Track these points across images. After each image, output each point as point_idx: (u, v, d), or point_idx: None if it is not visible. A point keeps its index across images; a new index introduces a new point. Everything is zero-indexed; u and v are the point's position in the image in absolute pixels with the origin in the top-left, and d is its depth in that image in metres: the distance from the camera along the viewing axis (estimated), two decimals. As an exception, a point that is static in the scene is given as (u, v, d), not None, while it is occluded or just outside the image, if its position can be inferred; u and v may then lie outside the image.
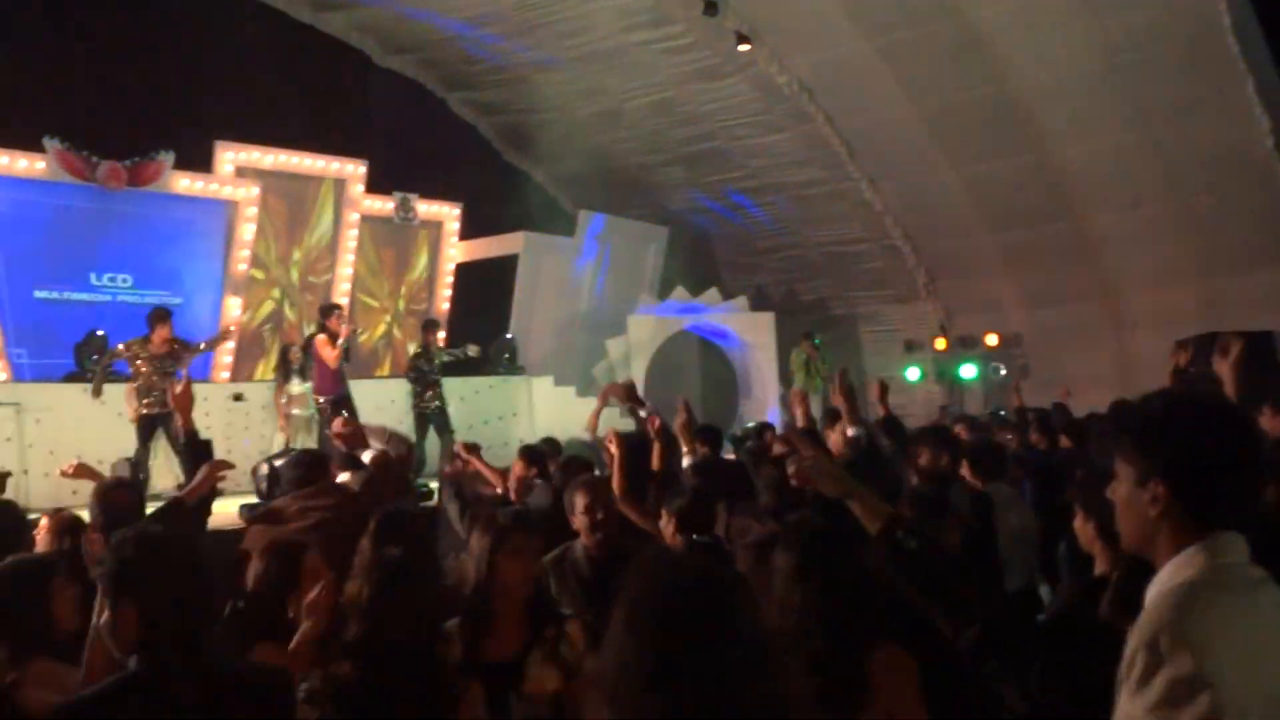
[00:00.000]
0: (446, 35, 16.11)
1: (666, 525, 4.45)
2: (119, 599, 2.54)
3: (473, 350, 12.88)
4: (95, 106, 12.81)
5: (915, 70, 14.27)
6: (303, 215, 14.71)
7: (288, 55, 14.92)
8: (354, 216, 15.00)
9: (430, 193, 15.81)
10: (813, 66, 14.93)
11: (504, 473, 6.67)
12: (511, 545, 3.54)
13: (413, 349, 13.40)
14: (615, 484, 5.09)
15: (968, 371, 17.01)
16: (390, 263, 15.78)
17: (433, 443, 12.18)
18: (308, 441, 11.10)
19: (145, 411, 10.35)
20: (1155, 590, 1.97)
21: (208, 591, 2.64)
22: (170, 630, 2.51)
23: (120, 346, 10.54)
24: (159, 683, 2.48)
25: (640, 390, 15.00)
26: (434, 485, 7.68)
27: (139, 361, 10.32)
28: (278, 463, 10.16)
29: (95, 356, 11.43)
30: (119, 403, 10.95)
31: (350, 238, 14.99)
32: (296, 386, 11.84)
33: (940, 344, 17.22)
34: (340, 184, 14.92)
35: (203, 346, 11.06)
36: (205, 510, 4.78)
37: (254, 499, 9.56)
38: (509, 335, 15.56)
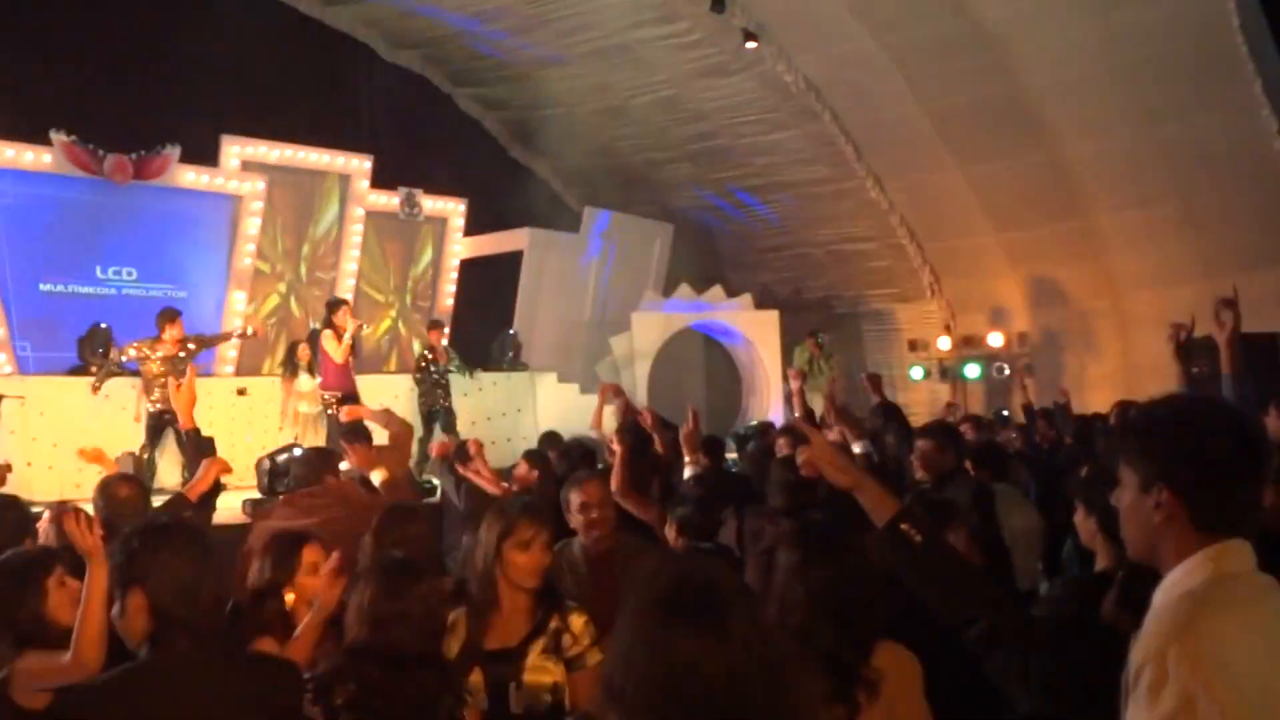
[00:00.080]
0: (453, 31, 16.11)
1: (670, 532, 4.47)
2: (128, 589, 2.54)
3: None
4: (101, 100, 12.81)
5: (922, 68, 14.25)
6: (308, 210, 14.70)
7: (294, 49, 14.93)
8: (359, 212, 14.99)
9: (435, 188, 15.79)
10: (820, 64, 14.91)
11: (502, 473, 6.67)
12: (519, 536, 3.53)
13: (418, 347, 13.39)
14: (615, 481, 5.10)
15: (971, 371, 16.99)
16: (395, 256, 15.77)
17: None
18: (316, 438, 11.12)
19: (153, 409, 10.41)
20: (1161, 598, 1.96)
21: (217, 581, 2.64)
22: (180, 620, 2.51)
23: (130, 349, 10.55)
24: (169, 671, 2.48)
25: (645, 387, 15.11)
26: (437, 481, 7.68)
27: (150, 362, 10.36)
28: (280, 458, 10.25)
29: (100, 351, 11.45)
30: (123, 397, 10.99)
31: (355, 233, 14.97)
32: (305, 383, 11.84)
33: (944, 343, 17.21)
34: (345, 179, 14.91)
35: (228, 336, 11.08)
36: (209, 507, 4.79)
37: (258, 494, 9.61)
38: (512, 331, 15.56)
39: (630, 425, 6.93)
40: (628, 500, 5.08)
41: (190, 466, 5.68)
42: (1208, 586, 1.89)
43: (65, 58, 12.69)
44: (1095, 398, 13.71)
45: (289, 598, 3.75)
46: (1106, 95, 13.63)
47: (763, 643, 1.72)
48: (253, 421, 12.15)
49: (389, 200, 15.36)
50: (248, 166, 13.84)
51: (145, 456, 10.37)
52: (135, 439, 10.65)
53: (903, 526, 2.56)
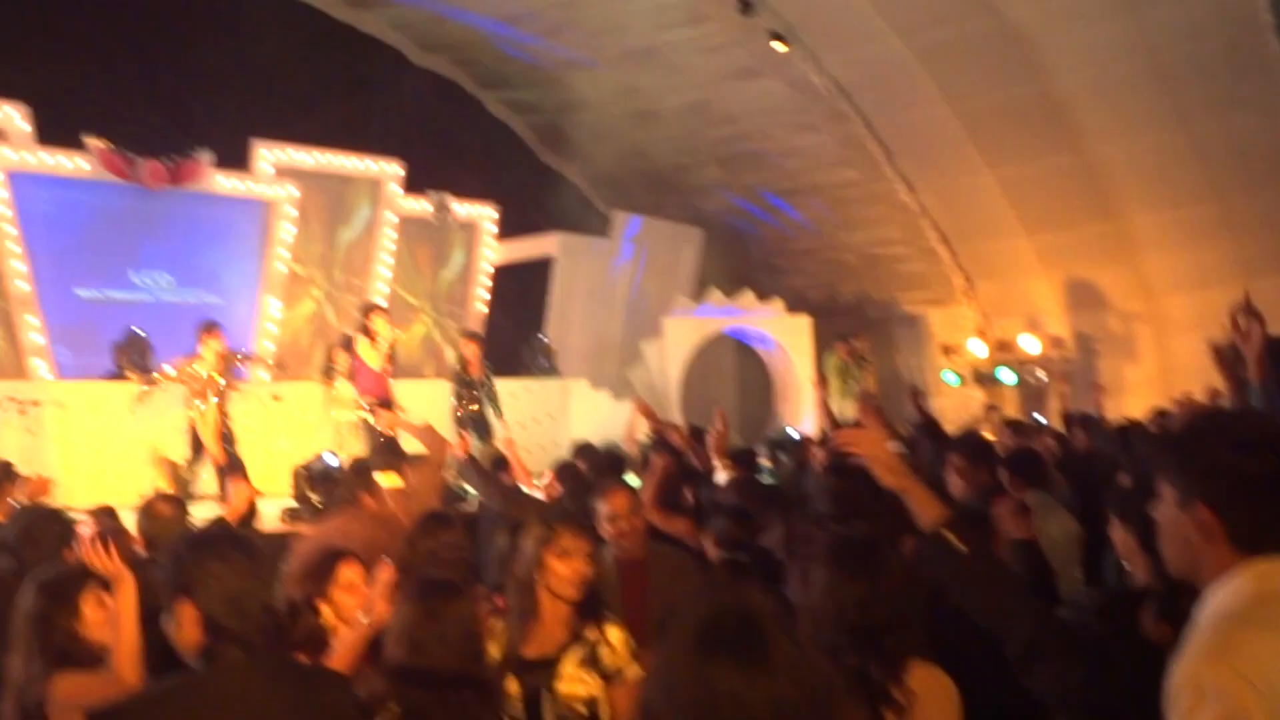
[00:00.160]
0: (482, 34, 16.14)
1: (707, 542, 4.48)
2: (178, 599, 2.55)
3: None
4: (135, 106, 12.92)
5: (953, 70, 14.17)
6: (341, 215, 14.78)
7: (324, 54, 14.98)
8: (391, 217, 15.05)
9: (465, 193, 15.82)
10: (849, 66, 14.85)
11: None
12: (560, 545, 3.53)
13: (452, 356, 13.36)
14: (646, 494, 5.11)
15: (1006, 375, 16.87)
16: (425, 259, 15.82)
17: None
18: (357, 446, 11.15)
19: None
20: (1201, 618, 1.92)
21: (266, 591, 2.64)
22: (231, 631, 2.52)
23: (172, 371, 10.62)
24: (221, 682, 2.49)
25: (677, 393, 15.10)
26: (470, 488, 7.69)
27: (194, 380, 10.47)
28: (315, 465, 10.35)
29: (138, 359, 11.59)
30: (161, 403, 11.06)
31: (387, 237, 15.03)
32: (342, 390, 11.85)
33: (977, 347, 17.09)
34: (376, 184, 14.97)
35: (257, 362, 11.18)
36: (249, 527, 4.87)
37: (294, 503, 9.67)
38: (541, 337, 15.57)
39: (664, 441, 6.96)
40: (655, 515, 5.08)
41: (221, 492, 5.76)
42: (1247, 606, 1.86)
43: (100, 65, 12.79)
44: (1132, 402, 13.60)
45: (325, 613, 3.75)
46: (1139, 94, 13.52)
47: (807, 671, 1.72)
48: (288, 427, 12.19)
49: (420, 205, 15.40)
50: (280, 172, 13.93)
51: (188, 465, 10.50)
52: (173, 445, 10.75)
53: (948, 534, 2.54)
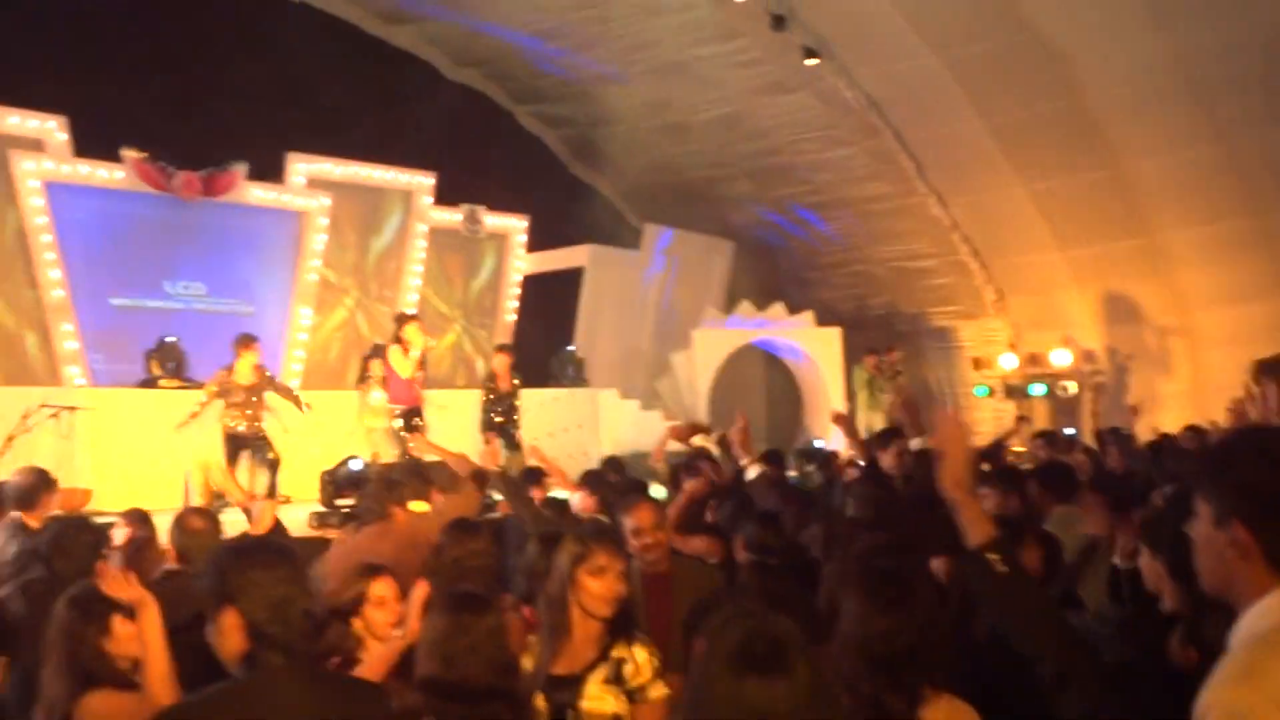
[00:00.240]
0: (514, 49, 16.23)
1: (738, 546, 4.48)
2: (220, 608, 2.56)
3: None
4: (170, 119, 13.03)
5: (985, 84, 14.13)
6: (372, 226, 14.89)
7: (357, 68, 15.11)
8: (422, 228, 15.14)
9: (496, 205, 15.90)
10: (880, 80, 14.84)
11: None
12: (594, 562, 3.52)
13: (482, 366, 13.38)
14: (672, 514, 5.12)
15: (1036, 389, 16.77)
16: (456, 269, 15.89)
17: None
18: (390, 454, 11.20)
19: (233, 431, 10.66)
20: (1235, 639, 1.89)
21: (308, 597, 2.66)
22: (274, 637, 2.53)
23: (214, 388, 10.73)
24: (265, 688, 2.50)
25: (706, 405, 15.07)
26: (497, 496, 7.70)
27: (232, 391, 10.61)
28: (340, 471, 10.45)
29: (171, 367, 11.72)
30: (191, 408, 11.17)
31: (419, 249, 15.12)
32: (375, 399, 11.91)
33: (1008, 360, 17.00)
34: (408, 196, 15.07)
35: (284, 392, 11.27)
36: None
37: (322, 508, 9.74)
38: (571, 348, 15.60)
39: (689, 465, 6.99)
40: (675, 537, 5.07)
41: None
42: (1278, 629, 1.83)
43: (136, 79, 12.92)
44: (1165, 417, 13.50)
45: (355, 626, 3.78)
46: (1174, 110, 13.43)
47: (826, 693, 1.79)
48: (319, 435, 12.26)
49: (451, 217, 15.49)
50: (313, 183, 14.06)
51: (222, 474, 10.59)
52: (205, 451, 10.84)
53: (990, 555, 2.53)
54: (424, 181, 15.07)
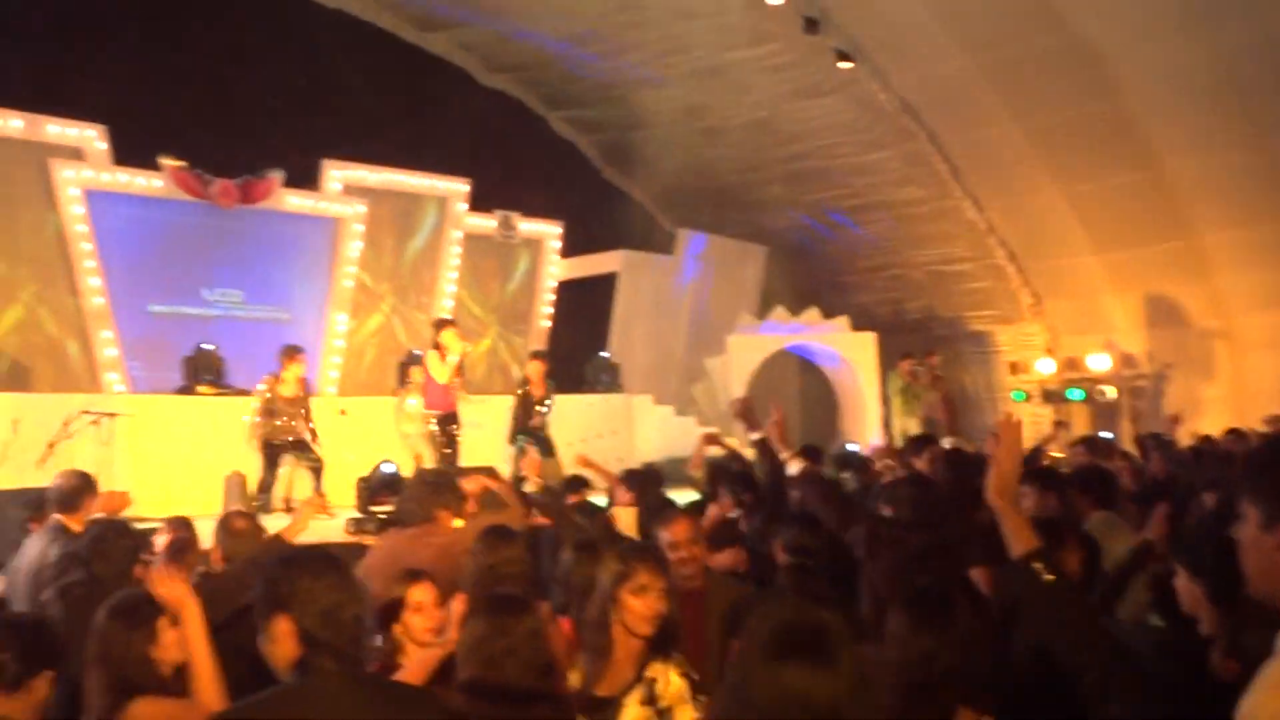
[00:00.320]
0: (548, 54, 16.28)
1: (777, 548, 4.47)
2: (272, 616, 2.58)
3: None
4: (207, 127, 13.16)
5: (1020, 86, 14.03)
6: (408, 232, 14.98)
7: (392, 75, 15.23)
8: (457, 234, 15.20)
9: (530, 211, 15.95)
10: (915, 84, 14.77)
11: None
12: (636, 581, 3.49)
13: (517, 372, 13.40)
14: (706, 524, 5.12)
15: (1074, 393, 16.62)
16: (490, 274, 15.95)
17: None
18: (431, 459, 11.24)
19: (272, 440, 10.76)
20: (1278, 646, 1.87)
21: (358, 603, 2.67)
22: (326, 643, 2.54)
23: (266, 394, 10.84)
24: (319, 693, 2.52)
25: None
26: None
27: (276, 400, 10.77)
28: (374, 476, 10.51)
29: (209, 376, 11.84)
30: (230, 416, 11.26)
31: (453, 255, 15.19)
32: (411, 405, 11.95)
33: (1045, 365, 16.87)
34: (443, 202, 15.14)
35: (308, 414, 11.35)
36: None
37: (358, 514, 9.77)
38: (605, 354, 15.61)
39: (721, 472, 7.00)
40: (705, 550, 5.06)
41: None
42: None
43: (174, 87, 13.06)
44: (1206, 421, 13.34)
45: (395, 632, 3.79)
46: (1213, 112, 13.28)
47: (874, 685, 1.74)
48: (354, 440, 12.33)
49: (486, 223, 15.55)
50: (349, 190, 14.15)
51: (262, 480, 10.73)
52: (242, 458, 10.94)
53: (1035, 565, 2.51)
54: (459, 187, 15.16)
